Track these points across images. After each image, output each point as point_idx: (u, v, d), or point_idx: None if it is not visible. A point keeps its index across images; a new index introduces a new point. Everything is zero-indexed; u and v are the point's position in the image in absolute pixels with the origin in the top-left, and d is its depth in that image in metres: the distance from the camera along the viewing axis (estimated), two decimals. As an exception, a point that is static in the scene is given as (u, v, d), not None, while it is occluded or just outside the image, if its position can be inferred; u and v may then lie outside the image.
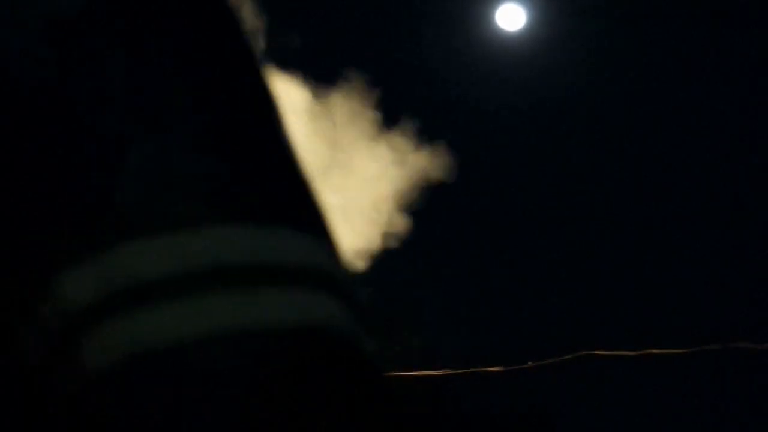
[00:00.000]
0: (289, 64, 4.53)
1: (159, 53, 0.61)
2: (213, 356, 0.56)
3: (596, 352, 4.58)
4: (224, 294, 0.57)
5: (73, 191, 0.59)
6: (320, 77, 5.05)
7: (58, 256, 0.59)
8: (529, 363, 4.71)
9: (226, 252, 0.58)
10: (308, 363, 0.56)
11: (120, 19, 0.62)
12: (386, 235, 5.39)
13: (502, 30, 4.46)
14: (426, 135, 5.16)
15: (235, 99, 0.62)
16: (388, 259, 4.79)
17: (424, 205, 5.08)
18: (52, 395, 0.58)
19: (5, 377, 0.60)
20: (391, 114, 5.22)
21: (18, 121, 0.59)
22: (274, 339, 0.56)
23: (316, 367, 0.56)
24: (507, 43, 4.46)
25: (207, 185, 0.59)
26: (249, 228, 0.58)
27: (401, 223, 5.47)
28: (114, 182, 0.59)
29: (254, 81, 0.64)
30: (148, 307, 0.57)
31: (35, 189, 0.60)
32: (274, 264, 0.58)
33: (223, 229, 0.58)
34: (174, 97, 0.61)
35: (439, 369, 4.59)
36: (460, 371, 4.58)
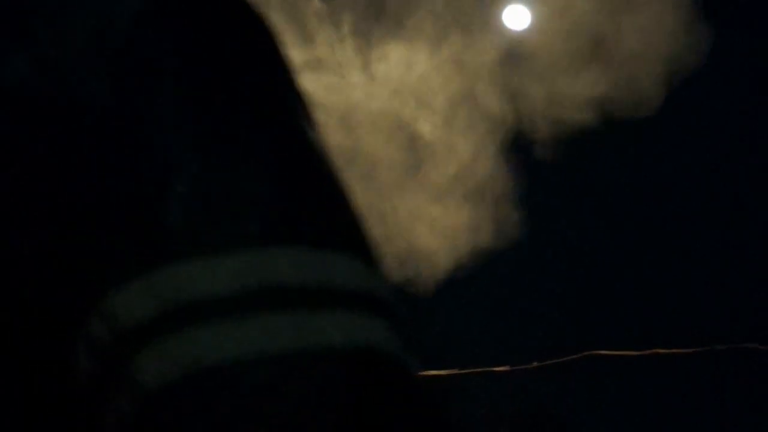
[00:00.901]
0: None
1: (211, 75, 0.62)
2: (264, 376, 0.57)
3: (601, 352, 4.58)
4: (275, 315, 0.58)
5: (126, 210, 0.60)
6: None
7: (109, 274, 0.60)
8: (534, 363, 4.71)
9: (277, 273, 0.59)
10: (358, 383, 0.57)
11: (170, 38, 0.62)
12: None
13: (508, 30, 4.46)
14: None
15: (284, 124, 0.63)
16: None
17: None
18: (106, 414, 0.59)
19: (58, 396, 0.61)
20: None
21: (71, 139, 0.60)
22: (324, 359, 0.57)
23: (365, 387, 0.57)
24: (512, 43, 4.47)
25: (258, 207, 0.60)
26: (299, 250, 0.59)
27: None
28: (166, 202, 0.60)
29: (297, 106, 0.65)
30: (200, 326, 0.58)
31: (88, 208, 0.61)
32: (323, 286, 0.59)
33: (274, 250, 0.59)
34: (225, 119, 0.62)
35: (447, 369, 4.60)
36: (466, 371, 4.59)
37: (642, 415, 4.47)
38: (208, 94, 0.63)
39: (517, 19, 4.50)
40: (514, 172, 4.48)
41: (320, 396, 0.57)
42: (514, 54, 4.47)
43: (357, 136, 4.47)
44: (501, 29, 4.50)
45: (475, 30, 4.48)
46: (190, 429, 0.58)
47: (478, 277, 4.57)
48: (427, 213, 4.56)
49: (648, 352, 4.54)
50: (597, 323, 4.64)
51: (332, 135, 4.38)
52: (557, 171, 4.48)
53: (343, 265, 0.61)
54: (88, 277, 0.61)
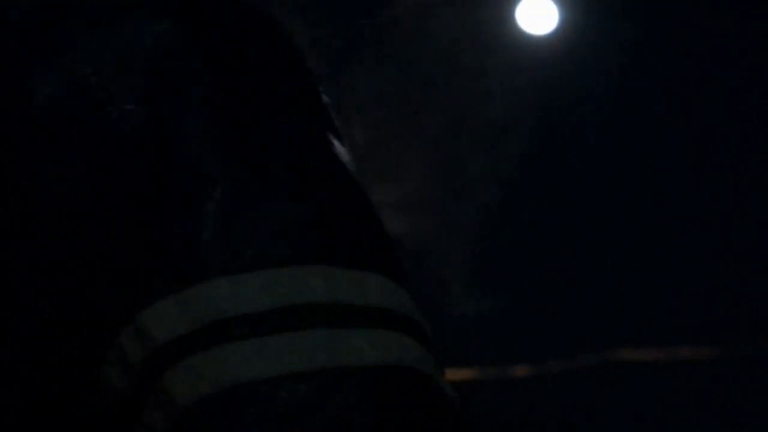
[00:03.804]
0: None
1: (240, 92, 0.63)
2: (297, 393, 0.58)
3: (622, 352, 4.57)
4: (307, 332, 0.58)
5: (158, 228, 0.61)
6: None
7: (142, 292, 0.60)
8: (553, 365, 4.70)
9: (309, 291, 0.59)
10: (390, 401, 0.58)
11: (198, 55, 0.63)
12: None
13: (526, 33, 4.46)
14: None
15: (314, 142, 0.63)
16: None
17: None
18: (138, 430, 0.60)
19: (90, 413, 0.62)
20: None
21: (104, 156, 0.61)
22: (356, 377, 0.58)
23: (397, 405, 0.58)
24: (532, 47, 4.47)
25: (289, 226, 0.60)
26: (331, 269, 0.59)
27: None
28: (198, 220, 0.61)
29: (326, 121, 0.65)
30: (233, 343, 0.59)
31: (120, 225, 0.61)
32: (355, 304, 0.59)
33: (305, 268, 0.59)
34: (255, 137, 0.63)
35: (464, 370, 4.60)
36: (484, 374, 4.58)
37: (658, 417, 4.46)
38: (238, 112, 0.63)
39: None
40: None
41: (352, 413, 0.58)
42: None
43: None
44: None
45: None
46: None
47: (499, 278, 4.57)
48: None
49: (670, 353, 4.53)
50: (618, 322, 4.63)
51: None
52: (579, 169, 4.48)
53: (374, 284, 0.61)
54: (121, 294, 0.61)
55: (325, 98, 0.67)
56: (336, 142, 0.65)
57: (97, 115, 0.62)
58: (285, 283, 0.60)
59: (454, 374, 4.55)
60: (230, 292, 0.60)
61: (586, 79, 4.41)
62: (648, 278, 4.51)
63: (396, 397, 0.59)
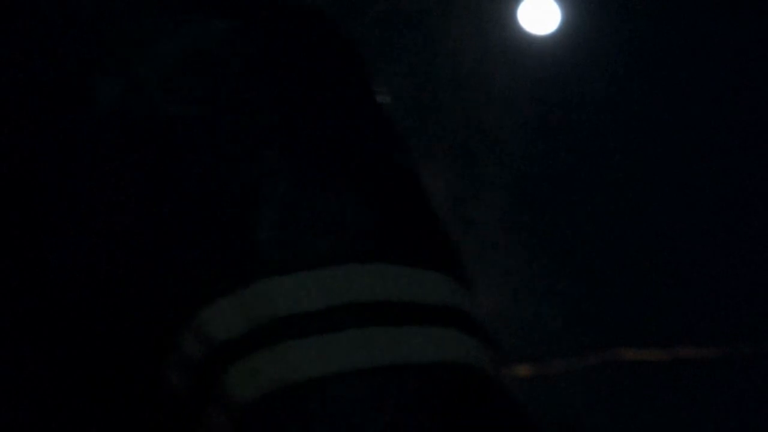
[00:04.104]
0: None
1: (299, 92, 0.63)
2: (358, 390, 0.58)
3: (622, 352, 4.58)
4: (367, 330, 0.59)
5: (216, 227, 0.61)
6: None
7: (200, 291, 0.61)
8: (553, 365, 4.70)
9: (369, 289, 0.59)
10: (451, 399, 0.58)
11: (257, 56, 0.63)
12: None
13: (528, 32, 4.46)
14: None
15: (372, 143, 0.63)
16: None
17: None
18: (199, 428, 0.60)
19: (151, 414, 0.62)
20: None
21: (164, 158, 0.61)
22: (417, 374, 0.58)
23: (458, 403, 0.58)
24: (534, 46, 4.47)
25: (349, 224, 0.60)
26: (391, 267, 0.60)
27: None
28: (256, 219, 0.61)
29: (384, 124, 0.66)
30: (293, 341, 0.59)
31: (179, 225, 0.61)
32: (416, 302, 0.59)
33: (365, 266, 0.59)
34: (314, 137, 0.63)
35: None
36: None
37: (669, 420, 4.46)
38: (296, 112, 0.64)
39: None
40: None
41: (414, 411, 0.58)
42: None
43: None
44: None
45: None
46: None
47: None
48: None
49: (670, 353, 4.54)
50: (619, 321, 4.63)
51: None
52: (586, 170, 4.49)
53: (435, 283, 0.61)
54: (180, 293, 0.61)
55: (383, 98, 0.67)
56: (396, 147, 0.65)
57: (157, 118, 0.62)
58: (344, 281, 0.60)
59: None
60: (290, 290, 0.60)
61: (588, 78, 4.42)
62: (648, 278, 4.51)
63: (457, 395, 0.59)
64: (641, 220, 4.53)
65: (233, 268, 0.60)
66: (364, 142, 0.64)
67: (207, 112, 0.62)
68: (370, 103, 0.66)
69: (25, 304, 0.62)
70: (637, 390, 4.47)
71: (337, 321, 0.59)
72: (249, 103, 0.62)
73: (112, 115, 0.61)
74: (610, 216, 4.54)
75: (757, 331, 4.48)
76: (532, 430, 0.59)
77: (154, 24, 0.62)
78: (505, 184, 4.54)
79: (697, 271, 4.51)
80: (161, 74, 0.62)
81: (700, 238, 4.53)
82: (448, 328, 0.60)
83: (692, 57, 4.42)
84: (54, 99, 0.62)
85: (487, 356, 0.61)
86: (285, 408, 0.58)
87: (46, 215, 0.62)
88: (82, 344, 0.62)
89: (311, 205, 0.61)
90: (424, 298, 0.60)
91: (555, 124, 4.51)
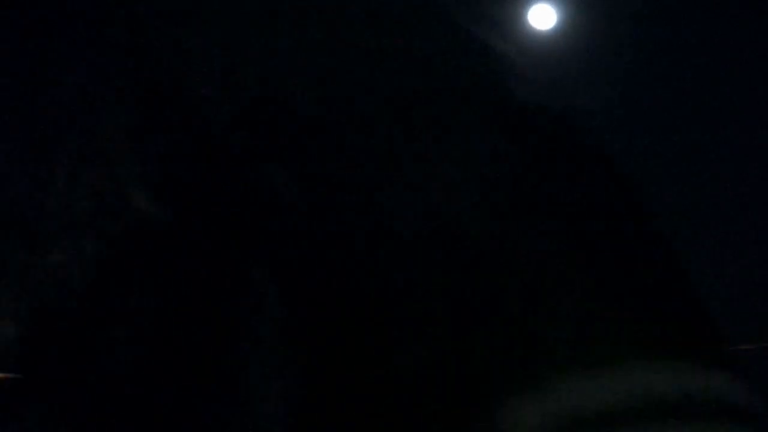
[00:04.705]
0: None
1: None
2: None
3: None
4: (665, 426, 0.58)
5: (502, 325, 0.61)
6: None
7: (498, 386, 0.61)
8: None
9: (659, 385, 0.59)
10: None
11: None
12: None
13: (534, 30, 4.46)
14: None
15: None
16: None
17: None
18: None
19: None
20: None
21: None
22: None
23: None
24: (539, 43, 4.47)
25: (624, 324, 0.60)
26: (670, 362, 0.59)
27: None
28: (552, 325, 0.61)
29: None
30: None
31: None
32: (705, 397, 0.59)
33: (652, 364, 0.59)
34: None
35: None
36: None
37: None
38: None
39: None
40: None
41: None
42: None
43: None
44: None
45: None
46: None
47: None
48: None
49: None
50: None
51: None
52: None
53: (711, 375, 0.61)
54: (476, 388, 0.62)
55: None
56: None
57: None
58: (634, 379, 0.60)
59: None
60: (584, 389, 0.60)
61: (587, 78, 4.42)
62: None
63: None
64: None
65: (530, 366, 0.61)
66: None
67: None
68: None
69: None
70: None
71: (634, 418, 0.59)
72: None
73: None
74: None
75: (756, 331, 4.50)
76: None
77: None
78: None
79: (696, 272, 4.52)
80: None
81: (699, 239, 4.54)
82: (732, 422, 0.60)
83: (692, 57, 4.42)
84: None
85: None
86: None
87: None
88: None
89: (595, 310, 0.61)
90: (707, 392, 0.60)
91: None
